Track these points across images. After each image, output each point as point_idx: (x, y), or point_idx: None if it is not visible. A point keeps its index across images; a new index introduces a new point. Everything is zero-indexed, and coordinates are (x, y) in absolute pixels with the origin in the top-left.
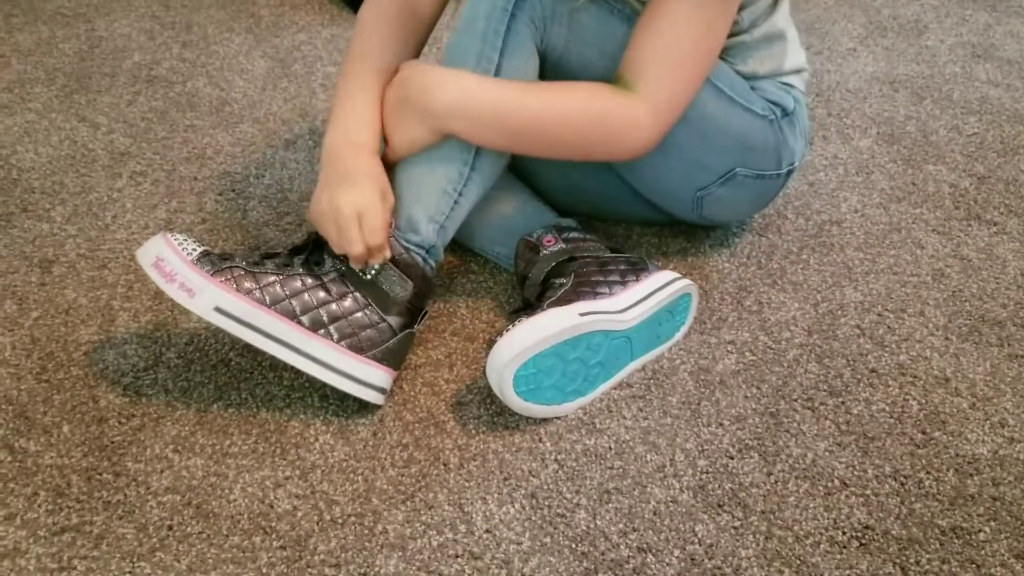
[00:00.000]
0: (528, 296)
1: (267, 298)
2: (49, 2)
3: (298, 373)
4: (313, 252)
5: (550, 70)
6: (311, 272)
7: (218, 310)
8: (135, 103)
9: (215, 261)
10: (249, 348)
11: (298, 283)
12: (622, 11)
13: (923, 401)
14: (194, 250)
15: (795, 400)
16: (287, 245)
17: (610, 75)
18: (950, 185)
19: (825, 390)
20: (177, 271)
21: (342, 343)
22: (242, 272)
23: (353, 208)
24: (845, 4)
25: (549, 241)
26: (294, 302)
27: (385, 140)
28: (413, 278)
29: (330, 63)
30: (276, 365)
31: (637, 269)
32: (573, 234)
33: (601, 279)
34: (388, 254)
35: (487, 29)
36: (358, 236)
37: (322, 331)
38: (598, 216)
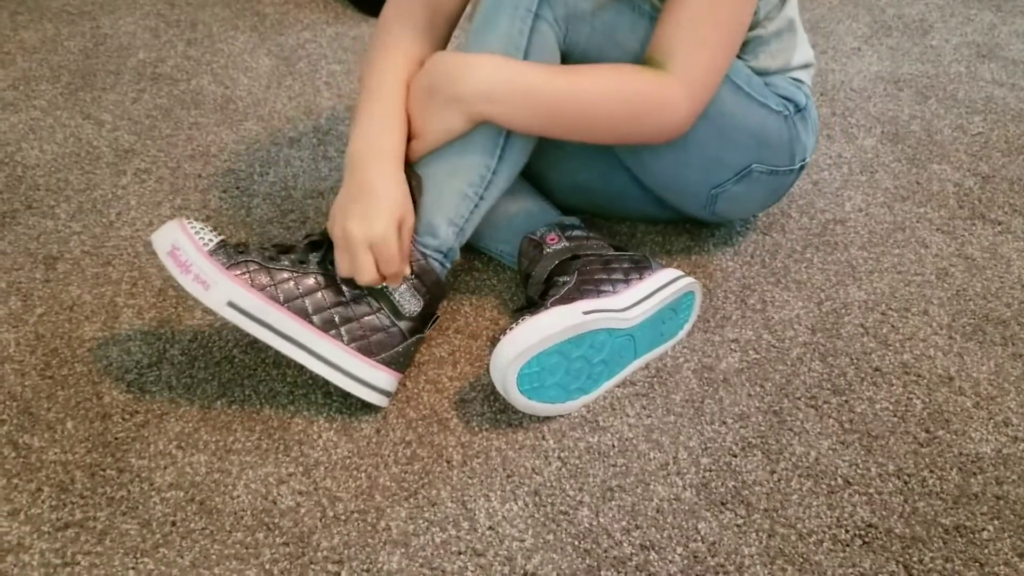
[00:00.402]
0: (531, 294)
1: (281, 295)
2: (54, 0)
3: (301, 370)
4: (329, 251)
5: None
6: (326, 271)
7: (231, 305)
8: (140, 100)
9: (231, 253)
10: (253, 345)
11: (312, 282)
12: (643, 8)
13: (927, 400)
14: (210, 240)
15: (798, 398)
16: (304, 237)
17: None
18: (954, 184)
19: (829, 388)
20: (192, 262)
21: (352, 345)
22: (257, 267)
23: (365, 239)
24: (850, 3)
25: (552, 239)
26: (307, 301)
27: (409, 137)
28: (427, 285)
29: (335, 61)
30: (280, 362)
31: (641, 267)
32: (576, 232)
33: (604, 277)
34: (407, 271)
35: (511, 30)
36: (370, 267)
37: (333, 332)
38: (602, 214)
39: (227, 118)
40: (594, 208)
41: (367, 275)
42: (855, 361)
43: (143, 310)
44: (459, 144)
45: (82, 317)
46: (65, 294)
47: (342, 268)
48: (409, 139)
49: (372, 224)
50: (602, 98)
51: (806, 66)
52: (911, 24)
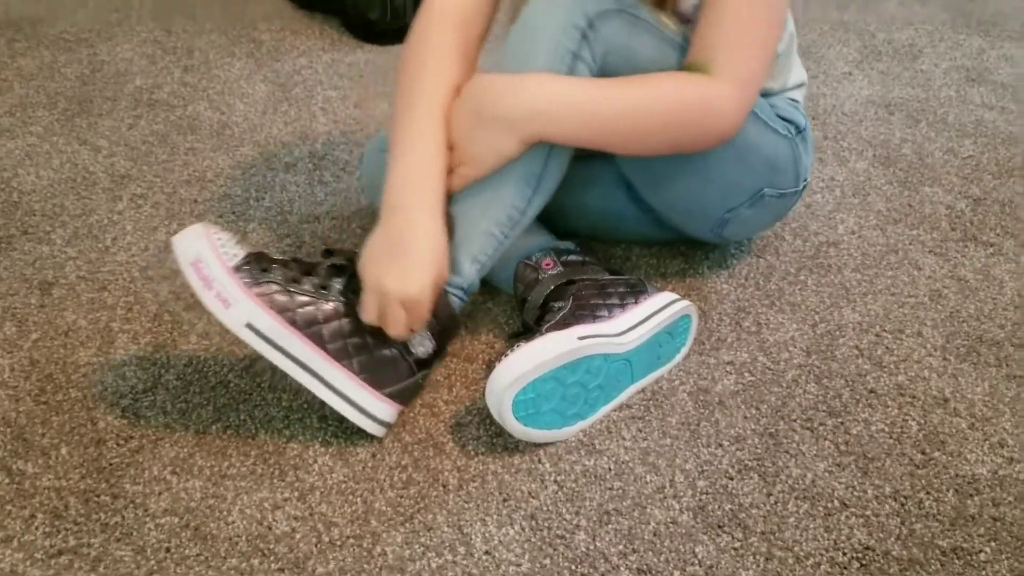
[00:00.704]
0: (527, 319)
1: (299, 320)
2: (52, 27)
3: (297, 395)
4: (352, 278)
5: None
6: (347, 300)
7: (249, 327)
8: (136, 126)
9: (254, 272)
10: (248, 369)
11: (331, 310)
12: (673, 39)
13: (922, 421)
14: (235, 255)
15: (794, 420)
16: (324, 253)
17: None
18: (946, 207)
19: (824, 410)
20: (215, 278)
21: (362, 376)
22: (279, 288)
23: (402, 297)
24: (840, 29)
25: (548, 264)
26: (324, 329)
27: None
28: (442, 321)
29: (330, 87)
30: (275, 386)
31: (636, 291)
32: (572, 257)
33: (600, 302)
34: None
35: (548, 69)
36: (402, 323)
37: (345, 361)
38: (598, 237)
39: (223, 144)
40: (590, 231)
41: (398, 330)
42: (850, 383)
43: (138, 335)
44: (492, 184)
45: (77, 343)
46: (60, 319)
47: (369, 315)
48: (450, 169)
49: (409, 284)
50: (656, 107)
51: (800, 85)
52: (901, 49)
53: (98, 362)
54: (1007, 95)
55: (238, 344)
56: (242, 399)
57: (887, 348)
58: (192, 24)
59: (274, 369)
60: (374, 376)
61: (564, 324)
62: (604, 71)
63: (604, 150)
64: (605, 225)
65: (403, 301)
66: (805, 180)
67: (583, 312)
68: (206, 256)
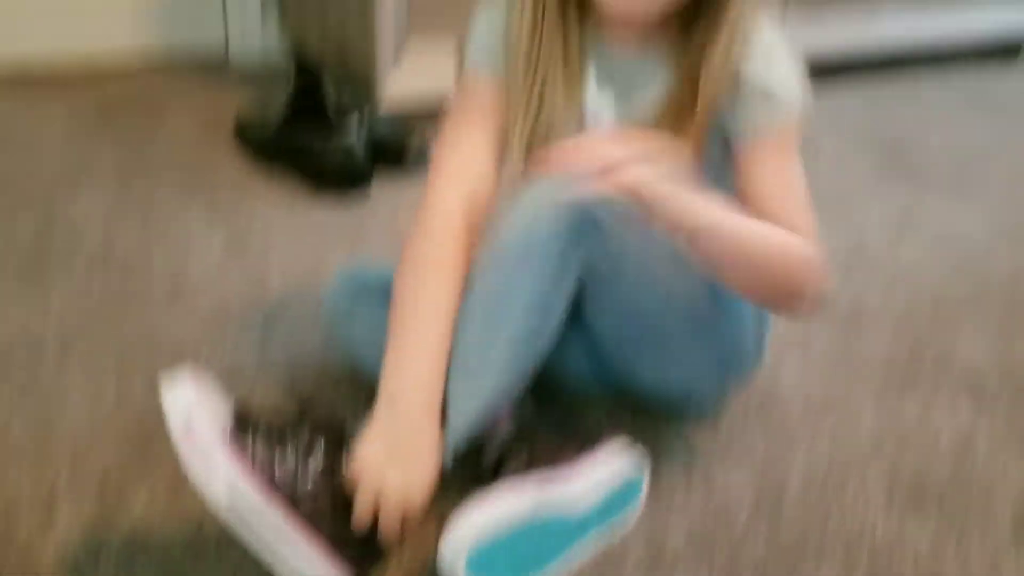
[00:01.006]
0: (481, 474)
1: (280, 487)
2: (11, 184)
3: (243, 560)
4: (335, 448)
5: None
6: (328, 468)
7: (230, 491)
8: (89, 284)
9: (241, 434)
10: (200, 531)
11: (312, 478)
12: (662, 242)
13: (869, 569)
14: (222, 415)
15: (746, 571)
16: (300, 410)
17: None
18: (883, 355)
19: (774, 561)
20: (204, 441)
21: (330, 551)
22: (264, 453)
23: (402, 499)
24: None
25: (503, 418)
26: (303, 499)
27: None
28: None
29: (287, 242)
30: (221, 556)
31: (591, 445)
32: (528, 410)
33: (555, 457)
34: None
35: (539, 271)
36: (395, 527)
37: (316, 533)
38: (555, 392)
39: (177, 300)
40: (549, 384)
41: (393, 533)
42: (799, 533)
43: (83, 498)
44: (481, 378)
45: (18, 508)
46: (2, 480)
47: (364, 520)
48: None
49: (413, 492)
50: (770, 248)
51: None
52: (834, 201)
53: (39, 531)
54: (936, 245)
55: (185, 508)
56: (188, 567)
57: (833, 496)
58: (151, 180)
59: (224, 535)
60: (342, 553)
61: (518, 482)
62: (589, 269)
63: (706, 268)
64: (565, 384)
65: (404, 503)
66: (768, 329)
67: (537, 468)
68: (195, 415)
